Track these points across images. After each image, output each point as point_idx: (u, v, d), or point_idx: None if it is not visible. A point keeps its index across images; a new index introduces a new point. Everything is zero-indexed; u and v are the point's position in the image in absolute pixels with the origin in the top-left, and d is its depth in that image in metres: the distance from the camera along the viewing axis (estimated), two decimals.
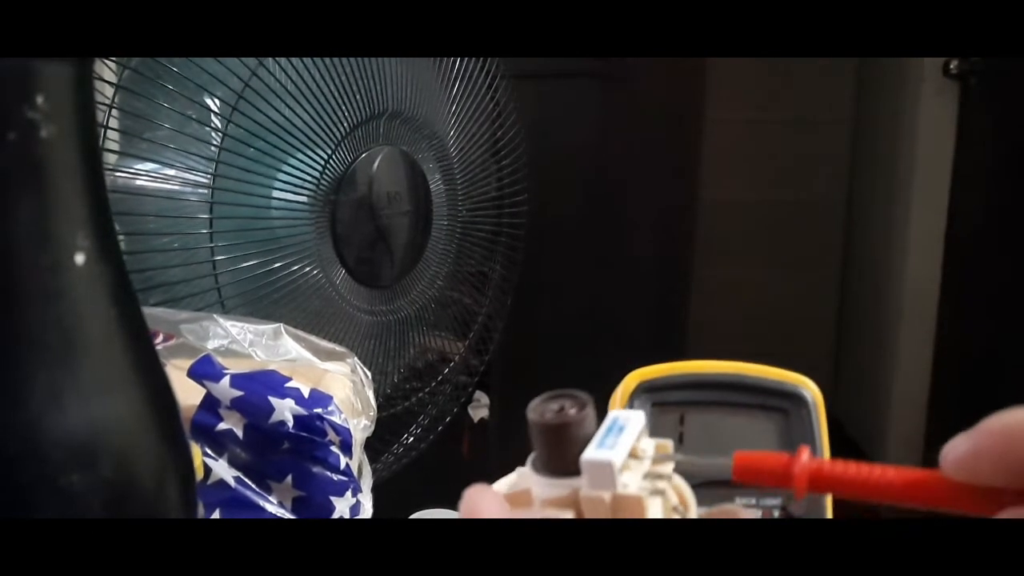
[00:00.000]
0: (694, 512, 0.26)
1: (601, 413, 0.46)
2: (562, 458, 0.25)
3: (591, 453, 0.24)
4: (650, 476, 0.25)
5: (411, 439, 0.87)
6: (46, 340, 0.24)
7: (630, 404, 0.46)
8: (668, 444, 0.27)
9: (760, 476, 0.25)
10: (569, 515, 0.25)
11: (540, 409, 0.26)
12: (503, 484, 0.27)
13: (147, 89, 0.66)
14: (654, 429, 0.46)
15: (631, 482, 0.25)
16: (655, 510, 0.25)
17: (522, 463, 0.27)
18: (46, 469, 0.23)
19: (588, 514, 0.25)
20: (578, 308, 1.55)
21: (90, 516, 0.24)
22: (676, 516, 0.26)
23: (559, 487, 0.25)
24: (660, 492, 0.25)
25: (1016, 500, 0.22)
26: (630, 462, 0.25)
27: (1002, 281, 1.81)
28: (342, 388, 0.59)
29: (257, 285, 0.69)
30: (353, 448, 0.56)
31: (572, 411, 0.26)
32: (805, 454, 0.24)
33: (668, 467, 0.26)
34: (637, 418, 0.26)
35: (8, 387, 0.23)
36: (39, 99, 0.23)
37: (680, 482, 0.26)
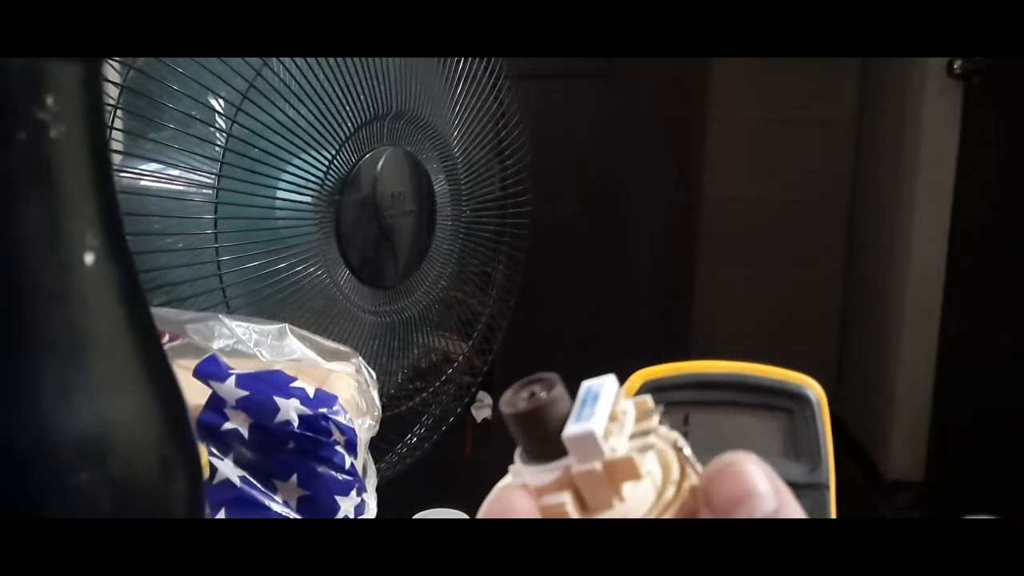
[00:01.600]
0: (688, 450, 0.26)
1: None
2: (545, 442, 0.25)
3: (570, 428, 0.24)
4: (636, 435, 0.25)
5: (415, 439, 0.87)
6: (55, 339, 0.24)
7: None
8: (647, 400, 0.26)
9: None
10: (567, 496, 0.24)
11: (511, 400, 0.26)
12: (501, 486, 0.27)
13: (151, 90, 0.66)
14: None
15: (618, 445, 0.24)
16: (650, 464, 0.25)
17: None
18: (55, 468, 0.24)
19: (584, 489, 0.24)
20: (581, 308, 1.55)
21: (98, 515, 0.24)
22: (675, 462, 0.25)
23: (550, 471, 0.25)
24: (650, 447, 0.25)
25: None
26: (612, 426, 0.25)
27: (1006, 281, 1.80)
28: (347, 388, 0.59)
29: (262, 285, 0.69)
30: (358, 448, 0.56)
31: (543, 394, 0.25)
32: None
33: (653, 421, 0.26)
34: (610, 383, 0.26)
35: (17, 386, 0.23)
36: (48, 99, 0.23)
37: (667, 431, 0.26)
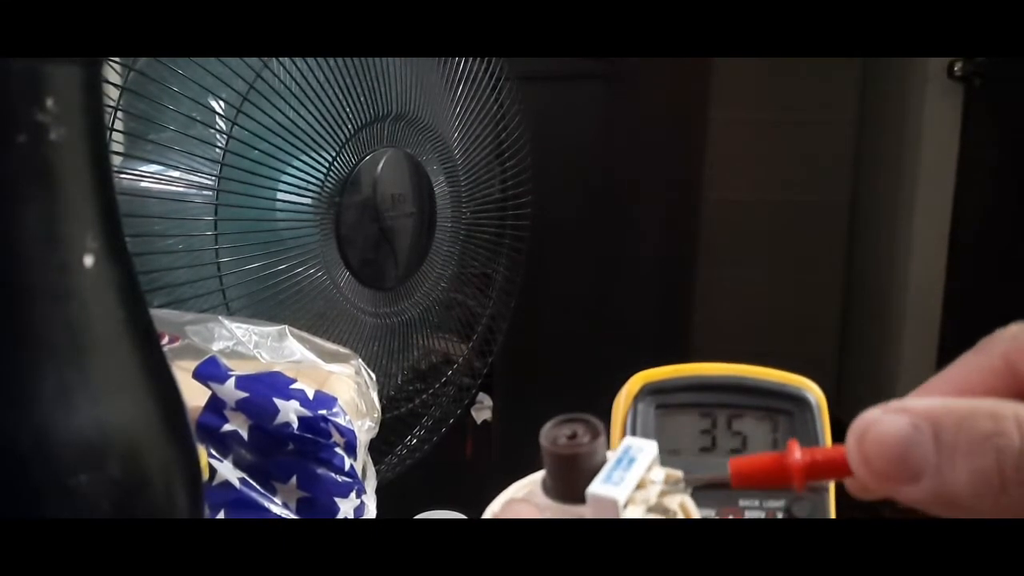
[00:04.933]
0: (695, 511, 0.26)
1: (606, 414, 0.46)
2: (571, 486, 0.25)
3: (597, 487, 0.25)
4: (656, 509, 0.26)
5: (415, 441, 0.87)
6: (55, 341, 0.24)
7: (634, 406, 0.46)
8: (678, 474, 0.27)
9: (758, 479, 0.25)
10: None
11: (552, 435, 0.26)
12: (515, 488, 0.27)
13: (151, 91, 0.66)
14: (660, 431, 0.46)
15: (636, 516, 0.25)
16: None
17: (524, 466, 0.27)
18: (55, 469, 0.24)
19: None
20: (582, 309, 1.55)
21: (98, 516, 0.24)
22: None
23: (566, 514, 0.25)
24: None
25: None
26: (636, 495, 0.25)
27: (1006, 282, 1.80)
28: (346, 390, 0.59)
29: (262, 287, 0.69)
30: (357, 449, 0.56)
31: (585, 439, 0.26)
32: (796, 448, 0.25)
33: (675, 500, 0.26)
34: (649, 448, 0.26)
35: (17, 387, 0.23)
36: (48, 102, 0.23)
37: (690, 506, 0.26)
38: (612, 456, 0.26)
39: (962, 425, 0.21)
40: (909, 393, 0.24)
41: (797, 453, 0.24)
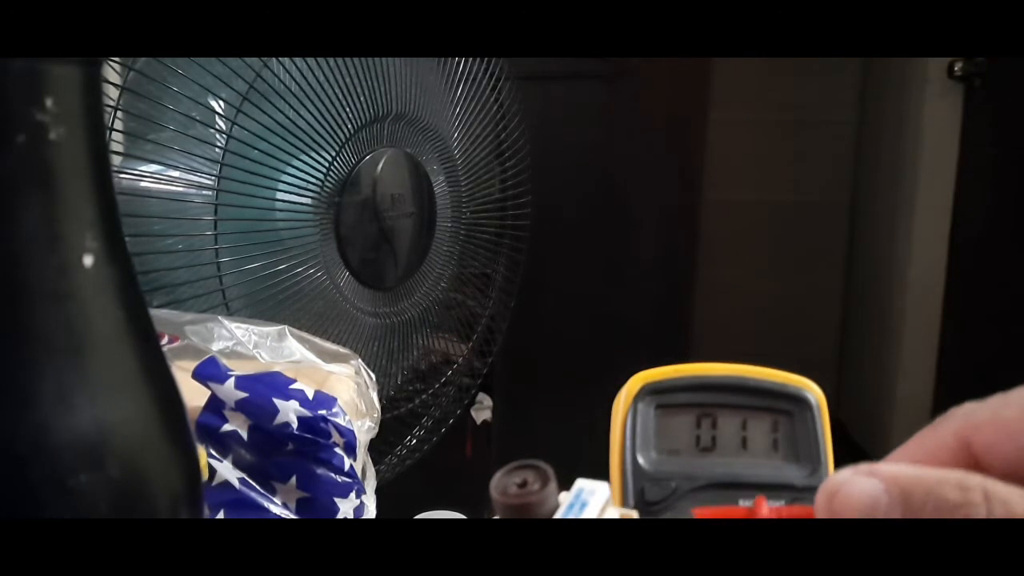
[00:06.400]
0: None
1: (606, 414, 0.46)
2: None
3: None
4: None
5: (414, 441, 0.87)
6: (54, 341, 0.24)
7: (634, 406, 0.46)
8: (633, 515, 0.27)
9: None
10: None
11: (501, 484, 0.26)
12: None
13: (151, 91, 0.66)
14: (660, 431, 0.46)
15: None
16: None
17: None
18: (54, 469, 0.24)
19: None
20: (581, 310, 1.55)
21: (97, 516, 0.24)
22: None
23: None
24: None
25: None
26: None
27: (1006, 283, 1.80)
28: (346, 390, 0.59)
29: (261, 287, 0.69)
30: (357, 450, 0.56)
31: (535, 486, 0.26)
32: (764, 505, 0.25)
33: None
34: (602, 490, 0.26)
35: (17, 388, 0.23)
36: (48, 101, 0.23)
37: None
38: (564, 500, 0.26)
39: (931, 493, 0.21)
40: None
41: (765, 509, 0.24)
